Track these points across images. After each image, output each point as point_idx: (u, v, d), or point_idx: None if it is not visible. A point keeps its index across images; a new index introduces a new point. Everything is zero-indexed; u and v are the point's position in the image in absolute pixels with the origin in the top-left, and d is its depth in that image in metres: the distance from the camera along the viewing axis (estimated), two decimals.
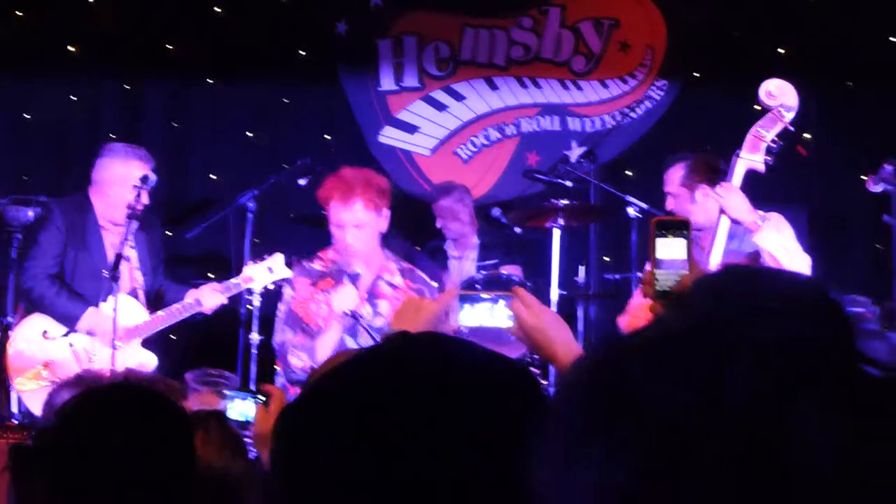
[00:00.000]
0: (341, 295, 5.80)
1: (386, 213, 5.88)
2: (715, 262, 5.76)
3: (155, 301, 6.89)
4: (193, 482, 2.40)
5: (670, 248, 2.79)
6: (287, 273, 6.54)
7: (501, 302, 3.24)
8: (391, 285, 5.98)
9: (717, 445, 0.90)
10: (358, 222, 5.75)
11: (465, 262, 8.38)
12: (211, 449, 2.97)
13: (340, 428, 1.43)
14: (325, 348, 5.73)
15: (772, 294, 1.07)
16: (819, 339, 0.98)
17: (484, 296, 3.35)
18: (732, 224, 5.80)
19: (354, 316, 5.73)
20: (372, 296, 5.94)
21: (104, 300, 6.25)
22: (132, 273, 6.81)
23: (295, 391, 5.61)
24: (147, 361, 6.59)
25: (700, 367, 0.94)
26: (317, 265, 5.96)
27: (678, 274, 2.68)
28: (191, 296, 6.67)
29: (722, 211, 5.80)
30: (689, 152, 6.64)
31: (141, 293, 6.84)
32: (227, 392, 4.03)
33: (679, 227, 2.85)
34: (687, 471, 0.90)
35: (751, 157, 5.70)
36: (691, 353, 0.96)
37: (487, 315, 3.32)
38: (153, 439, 2.36)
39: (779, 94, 5.82)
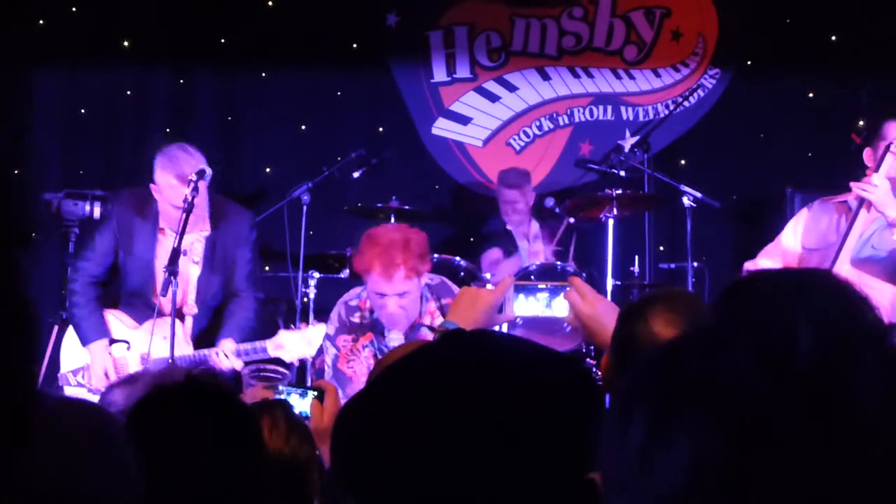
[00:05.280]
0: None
1: (427, 268, 5.68)
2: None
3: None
4: (264, 471, 2.43)
5: None
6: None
7: (560, 294, 3.25)
8: (432, 328, 5.83)
9: (794, 409, 0.95)
10: (401, 291, 5.58)
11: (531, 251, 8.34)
12: (278, 436, 3.00)
13: (397, 431, 1.45)
14: None
15: (808, 282, 1.13)
16: (861, 315, 1.05)
17: (540, 286, 3.36)
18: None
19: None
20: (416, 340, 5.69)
21: (164, 294, 6.13)
22: (185, 295, 6.38)
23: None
24: None
25: (765, 343, 1.00)
26: (356, 318, 5.82)
27: None
28: (214, 349, 6.22)
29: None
30: None
31: (189, 320, 6.39)
32: (281, 388, 4.05)
33: None
34: (770, 437, 0.95)
35: None
36: (755, 333, 1.01)
37: (543, 305, 3.33)
38: (224, 434, 2.39)
39: None
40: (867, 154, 5.93)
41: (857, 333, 1.01)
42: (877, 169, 5.59)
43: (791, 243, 6.07)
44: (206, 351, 6.19)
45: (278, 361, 6.09)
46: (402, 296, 5.57)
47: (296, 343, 6.08)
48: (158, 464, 2.24)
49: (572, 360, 1.66)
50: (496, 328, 3.45)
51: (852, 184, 5.74)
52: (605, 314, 3.07)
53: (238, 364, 6.11)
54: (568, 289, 3.20)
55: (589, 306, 3.12)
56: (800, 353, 0.97)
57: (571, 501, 1.41)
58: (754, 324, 1.03)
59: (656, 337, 2.75)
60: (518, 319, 3.41)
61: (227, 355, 6.11)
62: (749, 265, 6.10)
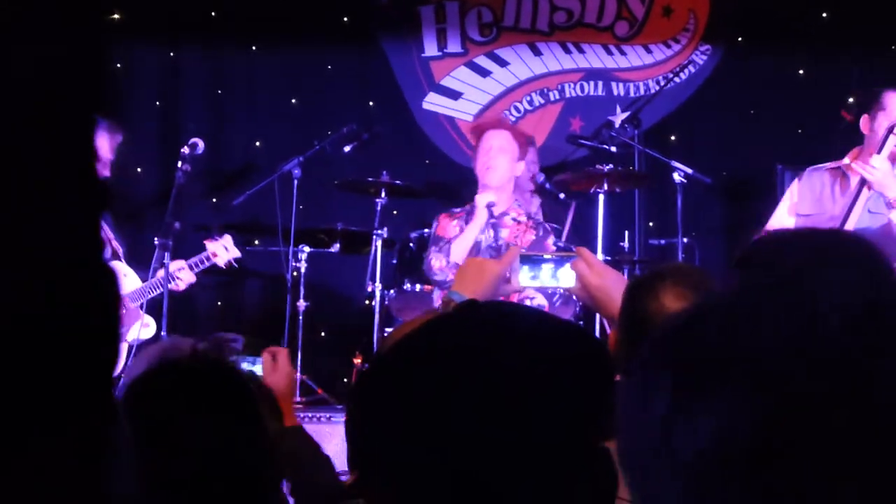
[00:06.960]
0: (482, 195, 6.95)
1: (522, 163, 7.14)
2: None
3: None
4: (264, 447, 2.41)
5: None
6: (235, 253, 7.02)
7: (567, 264, 3.22)
8: (515, 220, 6.94)
9: (823, 383, 0.92)
10: (503, 148, 6.99)
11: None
12: None
13: (398, 408, 1.44)
14: (458, 248, 6.82)
15: (832, 245, 1.11)
16: (888, 277, 1.03)
17: (546, 256, 3.34)
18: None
19: (489, 207, 6.82)
20: (497, 226, 6.87)
21: (157, 267, 6.16)
22: (112, 241, 6.77)
23: (441, 293, 6.71)
24: (149, 323, 6.76)
25: (791, 311, 0.97)
26: (456, 209, 7.24)
27: None
28: (172, 266, 6.78)
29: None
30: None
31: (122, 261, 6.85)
32: (233, 358, 4.04)
33: None
34: (795, 410, 0.92)
35: None
36: (780, 300, 0.99)
37: (549, 276, 3.31)
38: (226, 408, 2.37)
39: None
40: (864, 122, 5.97)
41: (885, 298, 0.98)
42: (878, 150, 5.61)
43: (786, 221, 6.10)
44: (162, 274, 6.69)
45: (270, 332, 6.17)
46: (502, 152, 7.05)
47: (220, 250, 7.05)
48: (158, 437, 2.23)
49: (585, 335, 1.65)
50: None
51: (854, 164, 5.78)
52: (613, 285, 3.05)
53: (193, 277, 6.90)
54: (575, 259, 3.18)
55: (597, 277, 3.10)
56: (825, 320, 0.95)
57: (579, 474, 1.41)
58: (777, 289, 1.00)
59: (668, 312, 2.74)
60: (526, 290, 3.40)
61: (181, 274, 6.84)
62: None
